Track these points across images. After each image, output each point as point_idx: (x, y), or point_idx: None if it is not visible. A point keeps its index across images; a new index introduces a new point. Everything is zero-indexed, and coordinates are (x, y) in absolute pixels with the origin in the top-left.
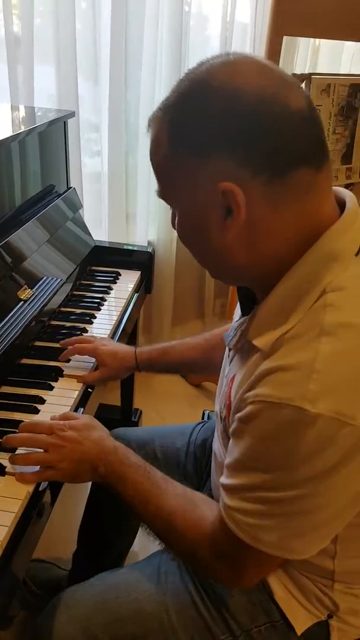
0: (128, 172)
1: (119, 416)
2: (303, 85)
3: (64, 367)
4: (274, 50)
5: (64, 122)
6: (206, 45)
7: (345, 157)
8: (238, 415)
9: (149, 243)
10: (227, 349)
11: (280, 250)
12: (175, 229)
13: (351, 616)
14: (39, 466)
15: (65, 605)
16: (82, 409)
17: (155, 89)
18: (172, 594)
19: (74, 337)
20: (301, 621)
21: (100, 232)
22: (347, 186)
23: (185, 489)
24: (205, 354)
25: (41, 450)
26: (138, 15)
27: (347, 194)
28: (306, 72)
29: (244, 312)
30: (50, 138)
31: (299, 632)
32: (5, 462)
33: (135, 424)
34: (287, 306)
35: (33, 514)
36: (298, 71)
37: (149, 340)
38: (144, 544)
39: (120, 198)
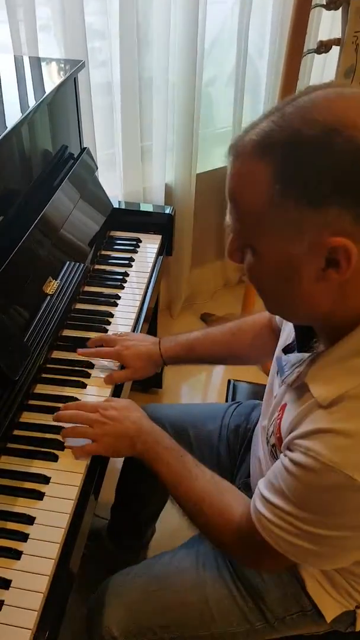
0: (142, 85)
1: None
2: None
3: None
4: None
5: (74, 79)
6: None
7: None
8: (289, 454)
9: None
10: (275, 365)
11: None
12: (231, 258)
13: None
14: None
15: (114, 593)
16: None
17: None
18: (211, 586)
19: (93, 339)
20: (330, 610)
21: (115, 175)
22: None
23: (213, 475)
24: (230, 350)
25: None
26: None
27: None
28: None
29: (299, 348)
30: (60, 100)
31: (328, 619)
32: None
33: (159, 376)
34: (353, 363)
35: (91, 488)
36: None
37: (167, 283)
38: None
39: (134, 115)
